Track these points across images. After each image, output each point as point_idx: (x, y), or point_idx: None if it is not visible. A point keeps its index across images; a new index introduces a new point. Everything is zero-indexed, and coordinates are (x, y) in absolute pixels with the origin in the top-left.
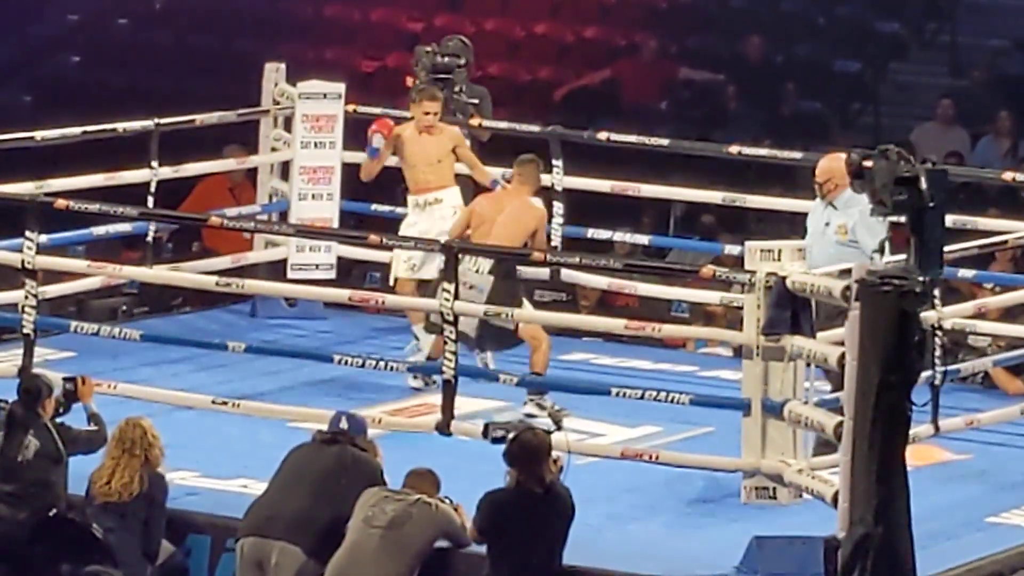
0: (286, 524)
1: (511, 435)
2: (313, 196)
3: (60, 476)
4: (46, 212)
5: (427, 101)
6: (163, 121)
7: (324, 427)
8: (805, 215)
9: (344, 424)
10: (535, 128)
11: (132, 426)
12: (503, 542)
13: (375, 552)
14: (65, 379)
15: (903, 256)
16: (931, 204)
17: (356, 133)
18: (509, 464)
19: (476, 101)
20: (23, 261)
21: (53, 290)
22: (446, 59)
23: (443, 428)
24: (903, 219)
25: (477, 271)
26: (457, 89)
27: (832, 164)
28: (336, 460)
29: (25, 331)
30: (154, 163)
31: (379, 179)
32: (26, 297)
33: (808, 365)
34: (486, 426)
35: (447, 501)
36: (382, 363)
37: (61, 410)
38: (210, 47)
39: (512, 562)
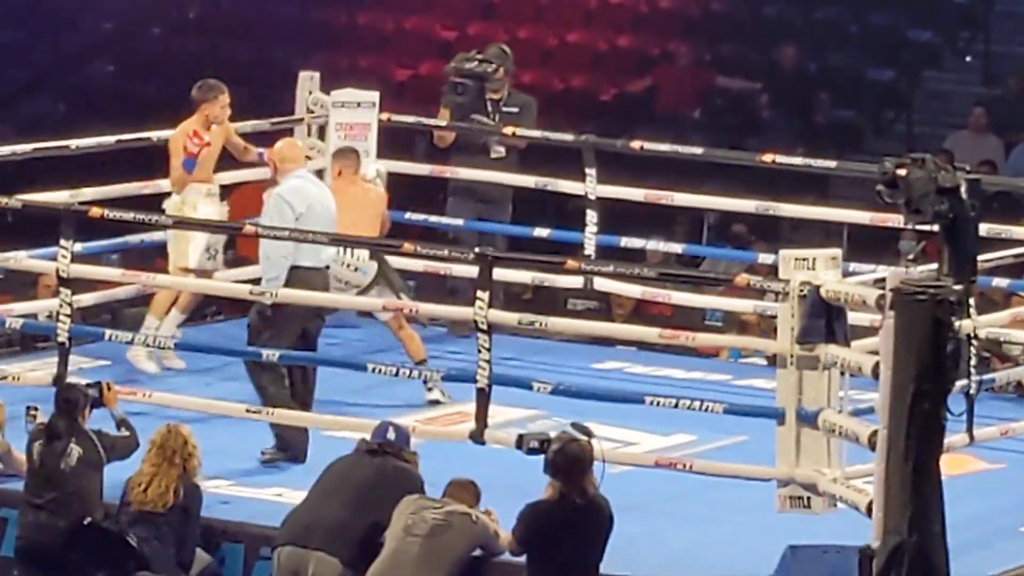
0: (324, 534)
1: (554, 445)
2: None
3: (99, 483)
4: (81, 221)
5: (224, 95)
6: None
7: (366, 436)
8: (839, 224)
9: (391, 435)
10: (568, 137)
11: (174, 434)
12: (544, 553)
13: (414, 560)
14: (89, 385)
15: (934, 265)
16: (972, 213)
17: (390, 141)
18: (552, 475)
19: (516, 110)
20: (58, 270)
21: (87, 298)
22: (472, 64)
23: (477, 437)
24: (934, 228)
25: (354, 268)
26: (497, 97)
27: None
28: (378, 471)
29: (60, 339)
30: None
31: (414, 188)
32: (60, 305)
33: (842, 374)
34: (520, 437)
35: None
36: (415, 372)
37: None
38: (244, 56)
39: (553, 573)
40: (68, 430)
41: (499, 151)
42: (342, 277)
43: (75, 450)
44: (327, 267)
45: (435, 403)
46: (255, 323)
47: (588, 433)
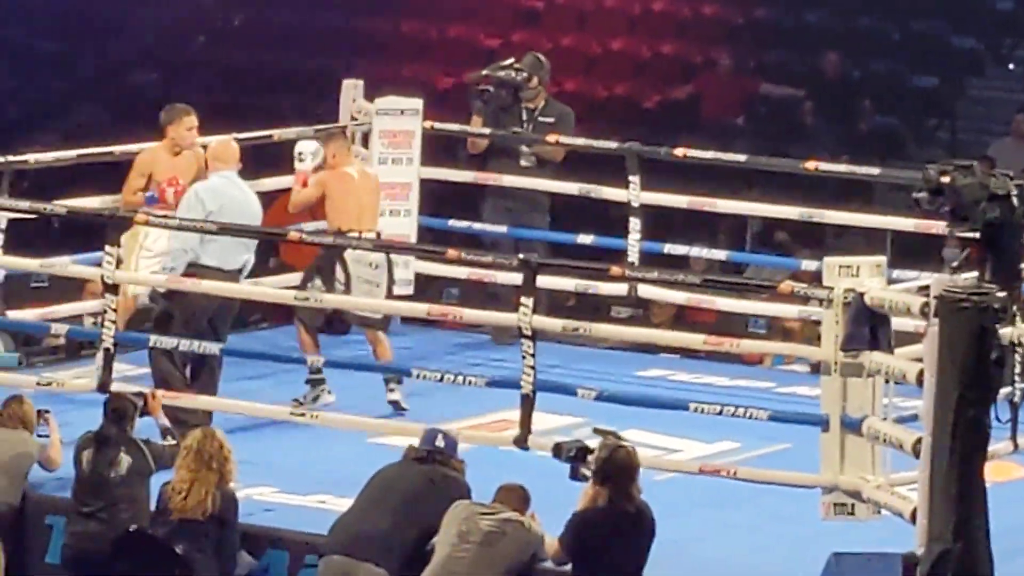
0: (373, 545)
1: (601, 452)
2: (391, 212)
3: (147, 492)
4: (126, 227)
5: (190, 117)
6: (241, 136)
7: (413, 442)
8: (883, 231)
9: (440, 442)
10: (612, 144)
11: (210, 439)
12: (592, 561)
13: (467, 567)
14: (133, 394)
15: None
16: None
17: (433, 149)
18: (600, 482)
19: (552, 120)
20: (102, 276)
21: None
22: (503, 72)
23: (521, 443)
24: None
25: (375, 266)
26: (532, 106)
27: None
28: (426, 479)
29: (105, 346)
30: None
31: (457, 195)
32: (105, 311)
33: (887, 381)
34: (557, 445)
35: None
36: (460, 377)
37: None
38: (288, 64)
39: None
40: (118, 439)
41: (529, 159)
42: (364, 276)
43: (125, 459)
44: (240, 268)
45: (396, 404)
46: (160, 310)
47: (615, 435)
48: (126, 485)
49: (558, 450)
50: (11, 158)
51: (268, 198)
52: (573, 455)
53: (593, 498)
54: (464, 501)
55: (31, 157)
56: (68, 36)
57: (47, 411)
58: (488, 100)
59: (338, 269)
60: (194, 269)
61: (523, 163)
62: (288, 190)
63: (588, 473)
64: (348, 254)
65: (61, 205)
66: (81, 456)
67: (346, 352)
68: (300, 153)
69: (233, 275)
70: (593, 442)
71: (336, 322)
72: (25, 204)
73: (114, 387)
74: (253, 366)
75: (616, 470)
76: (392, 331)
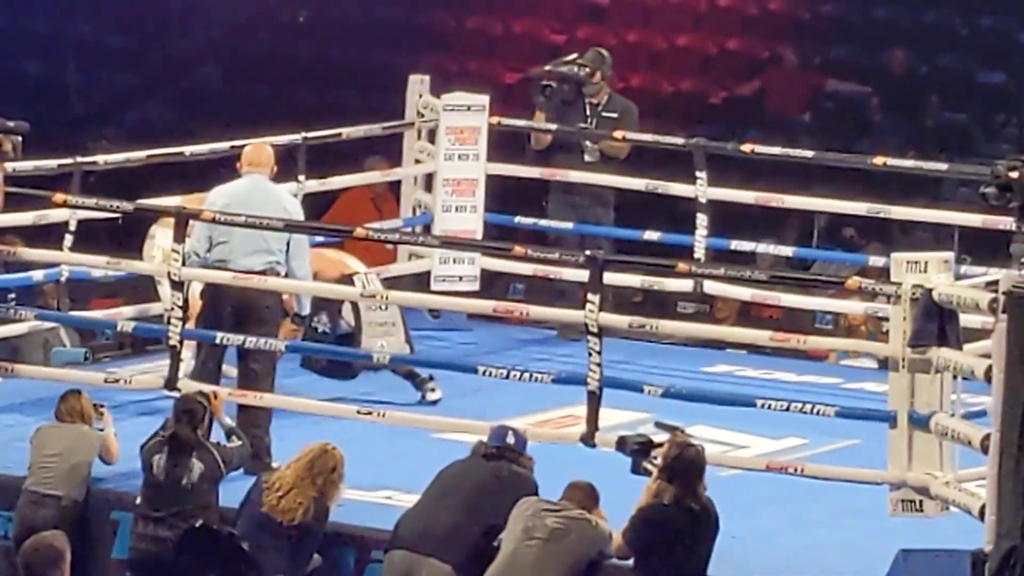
0: (437, 539)
1: (672, 451)
2: (457, 208)
3: (216, 497)
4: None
5: None
6: (311, 135)
7: (482, 439)
8: (950, 226)
9: (510, 439)
10: (679, 140)
11: (327, 456)
12: (656, 558)
13: (533, 564)
14: (197, 393)
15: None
16: None
17: (499, 145)
18: (668, 479)
19: (615, 115)
20: (169, 273)
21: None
22: (565, 67)
23: (588, 439)
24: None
25: (383, 308)
26: (595, 101)
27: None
28: (493, 475)
29: (171, 343)
30: (301, 176)
31: (523, 191)
32: (172, 308)
33: (955, 377)
34: (622, 438)
35: None
36: (526, 374)
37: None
38: (354, 59)
39: None
40: (190, 443)
41: (592, 154)
42: (376, 319)
43: (197, 466)
44: (262, 271)
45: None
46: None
47: (680, 430)
48: (197, 492)
49: (622, 443)
50: (81, 159)
51: (332, 195)
52: (637, 449)
53: (657, 493)
54: (531, 497)
55: (101, 158)
56: (135, 32)
57: (102, 405)
58: (550, 95)
59: (346, 308)
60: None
61: (587, 158)
62: (355, 188)
63: (651, 467)
64: (364, 314)
65: (127, 203)
66: (152, 460)
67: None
68: None
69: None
70: (656, 436)
71: (339, 365)
72: (92, 201)
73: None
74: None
75: (684, 468)
76: (458, 327)
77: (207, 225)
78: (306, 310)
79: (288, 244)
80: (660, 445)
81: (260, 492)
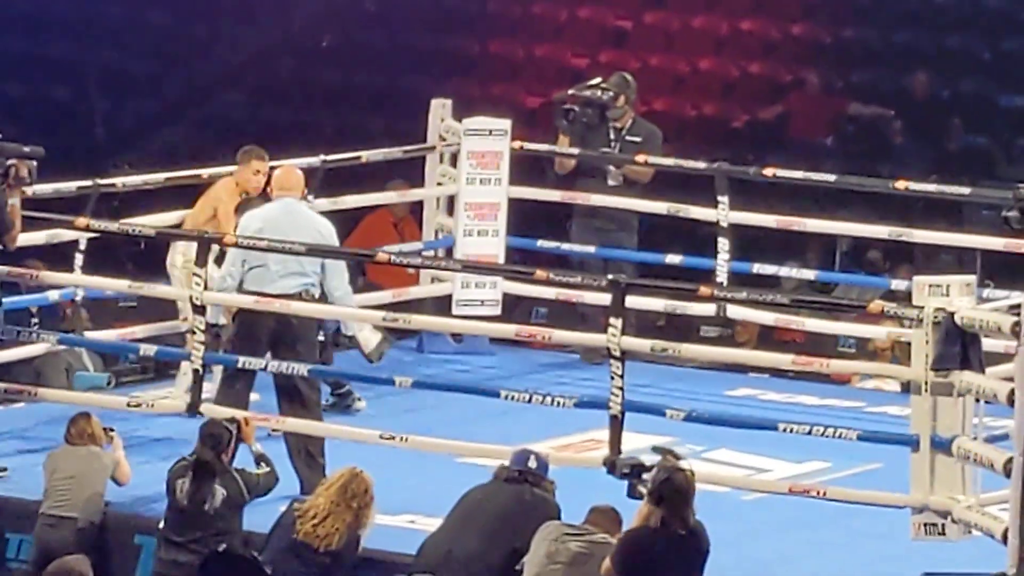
0: (461, 564)
1: (660, 474)
2: (479, 232)
3: (240, 522)
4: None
5: (258, 162)
6: (329, 158)
7: (504, 462)
8: (972, 250)
9: (532, 463)
10: (701, 164)
11: (359, 480)
12: None
13: None
14: (227, 420)
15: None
16: None
17: (521, 169)
18: (655, 503)
19: (639, 139)
20: (191, 296)
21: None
22: (588, 91)
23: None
24: None
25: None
26: (619, 125)
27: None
28: (516, 499)
29: (194, 366)
30: (310, 196)
31: (546, 215)
32: (194, 332)
33: (977, 401)
34: (612, 462)
35: None
36: (548, 398)
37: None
38: (376, 84)
39: None
40: (214, 469)
41: (616, 178)
42: None
43: (220, 491)
44: (297, 293)
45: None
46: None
47: (674, 455)
48: (219, 519)
49: (612, 467)
50: (100, 180)
51: (354, 218)
52: (628, 472)
53: (646, 517)
54: (554, 522)
55: (119, 180)
56: (159, 58)
57: (111, 429)
58: (573, 119)
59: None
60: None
61: (610, 182)
62: (377, 210)
63: (644, 491)
64: None
65: (150, 226)
66: (175, 484)
67: (437, 370)
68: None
69: (287, 299)
70: (650, 460)
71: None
72: (114, 225)
73: (205, 406)
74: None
75: (672, 492)
76: (480, 350)
77: (241, 250)
78: (351, 330)
79: (323, 266)
80: (651, 468)
81: (292, 519)
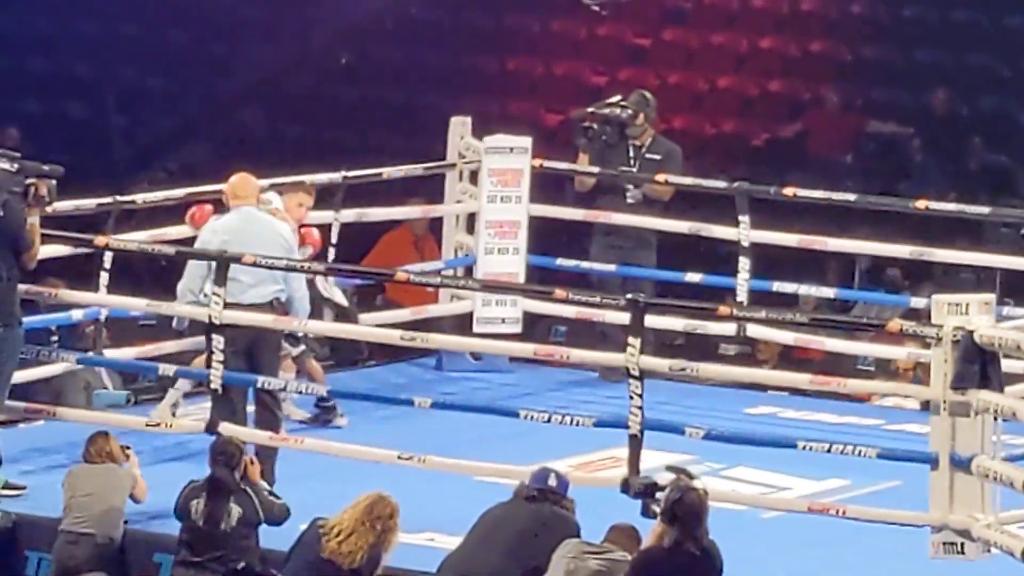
0: None
1: (673, 494)
2: (499, 250)
3: (256, 540)
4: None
5: (305, 196)
6: (350, 174)
7: (524, 480)
8: (992, 269)
9: (552, 481)
10: (721, 184)
11: (385, 503)
12: None
13: None
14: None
15: None
16: None
17: (541, 187)
18: (668, 522)
19: (659, 157)
20: (210, 316)
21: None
22: (607, 109)
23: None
24: None
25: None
26: (639, 143)
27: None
28: (535, 517)
29: (212, 386)
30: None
31: (565, 233)
32: (213, 352)
33: (996, 419)
34: (626, 481)
35: None
36: (568, 417)
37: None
38: (396, 101)
39: None
40: (229, 487)
41: (635, 196)
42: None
43: (235, 510)
44: (269, 302)
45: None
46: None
47: (687, 474)
48: (235, 537)
49: (627, 486)
50: (120, 197)
51: (374, 236)
52: (641, 492)
53: (660, 536)
54: (574, 540)
55: (139, 196)
56: (177, 74)
57: (128, 447)
58: (592, 137)
59: (336, 293)
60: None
61: (629, 200)
62: (397, 228)
63: (657, 510)
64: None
65: (168, 244)
66: (190, 506)
67: (456, 388)
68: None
69: (260, 308)
70: (664, 479)
71: None
72: (134, 244)
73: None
74: (361, 403)
75: (684, 511)
76: (500, 368)
77: (201, 263)
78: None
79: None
80: (664, 488)
81: (316, 537)
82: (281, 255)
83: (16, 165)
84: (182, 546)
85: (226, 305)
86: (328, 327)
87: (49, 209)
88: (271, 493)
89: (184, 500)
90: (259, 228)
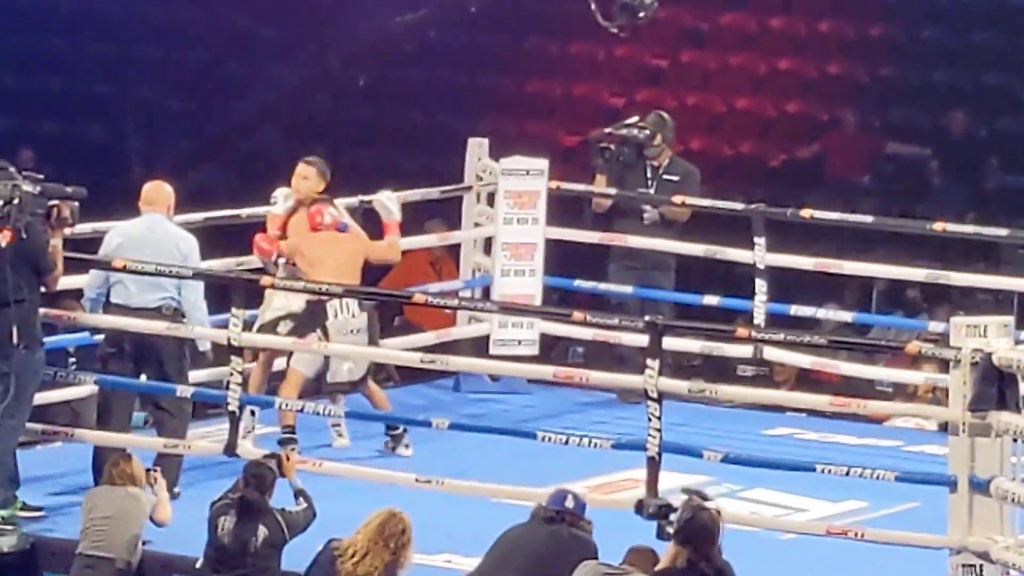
0: None
1: (685, 513)
2: (516, 272)
3: (279, 562)
4: (251, 289)
5: (301, 166)
6: (366, 198)
7: (541, 502)
8: (1010, 292)
9: (570, 503)
10: (738, 206)
11: (397, 520)
12: None
13: None
14: (266, 456)
15: None
16: None
17: (558, 209)
18: (681, 543)
19: (676, 178)
20: (228, 338)
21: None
22: (624, 130)
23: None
24: None
25: (353, 315)
26: (656, 164)
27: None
28: (553, 538)
29: (230, 408)
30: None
31: (583, 254)
32: (231, 374)
33: (1015, 441)
34: (639, 502)
35: None
36: (585, 439)
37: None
38: (413, 123)
39: None
40: (258, 509)
41: (651, 217)
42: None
43: (262, 531)
44: (158, 307)
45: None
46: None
47: (700, 495)
48: (261, 558)
49: (640, 508)
50: None
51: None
52: (655, 513)
53: (674, 557)
54: (591, 561)
55: None
56: (195, 96)
57: (155, 470)
58: (610, 158)
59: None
60: (109, 308)
61: (646, 221)
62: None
63: (671, 531)
64: (331, 323)
65: (187, 268)
66: (218, 522)
67: (474, 410)
68: (273, 197)
69: (147, 313)
70: (678, 500)
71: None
72: (151, 267)
73: (242, 446)
74: (379, 425)
75: (697, 531)
76: (517, 390)
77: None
78: (205, 347)
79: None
80: (677, 509)
81: (331, 557)
82: (173, 264)
83: (39, 187)
84: (205, 561)
85: (114, 308)
86: (345, 349)
87: (68, 231)
88: (300, 494)
89: (214, 515)
90: (157, 236)
